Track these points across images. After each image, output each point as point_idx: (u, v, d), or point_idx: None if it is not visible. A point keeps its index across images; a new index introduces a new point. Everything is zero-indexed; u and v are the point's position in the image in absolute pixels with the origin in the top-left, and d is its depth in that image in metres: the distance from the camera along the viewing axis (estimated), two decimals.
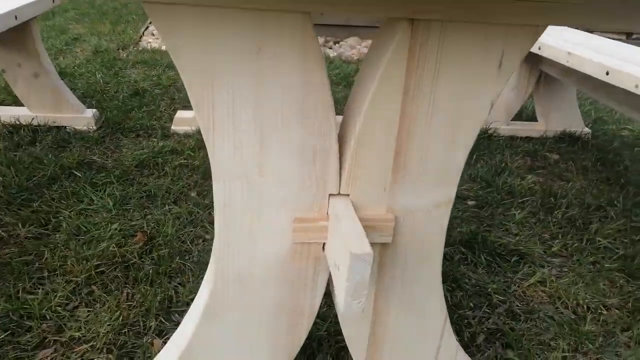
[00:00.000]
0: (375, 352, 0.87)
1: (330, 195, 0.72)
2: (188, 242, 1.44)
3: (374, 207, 0.74)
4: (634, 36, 4.62)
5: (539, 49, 2.04)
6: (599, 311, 1.31)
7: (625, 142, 2.47)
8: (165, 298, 1.22)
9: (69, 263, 1.31)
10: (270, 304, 0.79)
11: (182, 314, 1.18)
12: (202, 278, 1.29)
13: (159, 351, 1.06)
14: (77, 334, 1.12)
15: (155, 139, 2.07)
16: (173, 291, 1.25)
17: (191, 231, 1.49)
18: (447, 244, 1.51)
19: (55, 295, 1.21)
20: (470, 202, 1.77)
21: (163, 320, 1.16)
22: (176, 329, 1.12)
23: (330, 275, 0.79)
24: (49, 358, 1.06)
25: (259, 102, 0.65)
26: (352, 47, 3.94)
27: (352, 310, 0.63)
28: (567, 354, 1.16)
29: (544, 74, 2.34)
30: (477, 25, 0.64)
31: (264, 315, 0.80)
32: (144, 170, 1.81)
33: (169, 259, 1.35)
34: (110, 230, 1.45)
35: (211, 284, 0.75)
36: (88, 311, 1.18)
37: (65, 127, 2.10)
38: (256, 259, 0.75)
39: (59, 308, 1.18)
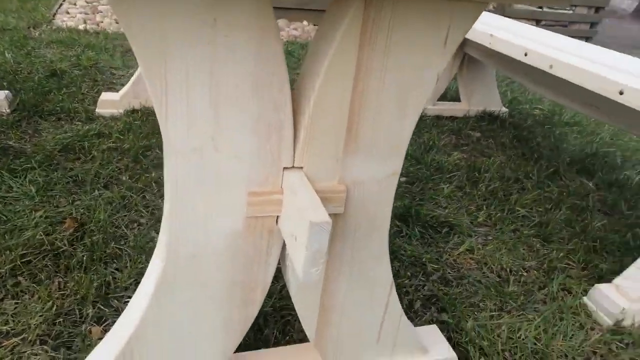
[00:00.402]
0: (325, 321, 0.90)
1: (284, 168, 0.73)
2: (123, 227, 1.39)
3: (326, 179, 0.76)
4: (542, 22, 4.97)
5: None
6: (520, 273, 1.43)
7: (537, 120, 2.68)
8: (102, 284, 1.18)
9: None
10: (224, 279, 0.79)
11: (122, 299, 1.15)
12: (140, 262, 1.25)
13: (99, 338, 1.03)
14: (5, 327, 1.05)
15: (79, 122, 1.96)
16: (110, 277, 1.20)
17: (125, 216, 1.43)
18: None
19: None
20: (402, 179, 1.84)
21: (102, 307, 1.12)
22: (116, 315, 1.09)
23: (282, 248, 0.80)
24: None
25: (214, 74, 0.64)
26: (281, 29, 3.92)
27: (311, 279, 0.65)
28: (493, 313, 1.26)
29: (467, 56, 2.47)
30: (426, 2, 0.67)
31: (217, 291, 0.79)
32: (68, 155, 1.71)
33: (103, 245, 1.30)
34: (34, 218, 1.37)
35: (163, 262, 0.74)
36: (15, 303, 1.11)
37: None
38: (210, 235, 0.74)
39: None
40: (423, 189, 1.80)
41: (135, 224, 1.41)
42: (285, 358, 0.96)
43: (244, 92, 0.66)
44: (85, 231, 1.35)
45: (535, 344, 1.17)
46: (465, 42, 2.43)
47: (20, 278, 1.18)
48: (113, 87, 2.36)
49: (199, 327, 0.81)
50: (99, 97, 2.15)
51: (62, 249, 1.27)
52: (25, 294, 1.14)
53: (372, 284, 0.89)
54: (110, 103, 2.09)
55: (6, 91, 2.01)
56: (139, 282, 1.18)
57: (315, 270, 0.65)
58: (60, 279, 1.19)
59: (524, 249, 1.53)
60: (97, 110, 2.07)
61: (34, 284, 1.16)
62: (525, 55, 1.61)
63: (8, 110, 1.95)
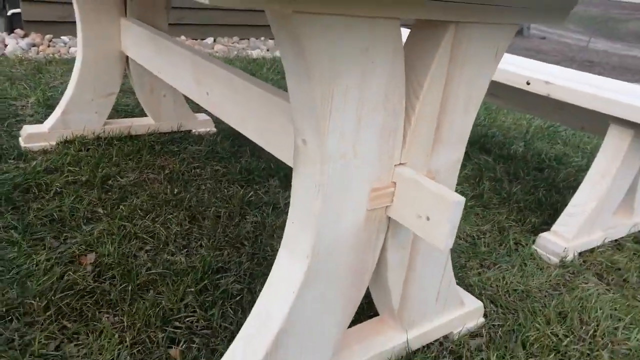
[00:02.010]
0: (405, 292, 1.07)
1: (394, 165, 0.89)
2: (135, 254, 1.37)
3: (420, 171, 0.93)
4: None
5: None
6: (481, 237, 1.74)
7: None
8: (156, 310, 1.18)
9: (16, 305, 1.14)
10: (348, 267, 0.92)
11: (182, 319, 1.17)
12: (178, 283, 1.27)
13: (182, 358, 1.06)
14: None
15: (14, 160, 1.80)
16: (159, 301, 1.21)
17: (130, 244, 1.41)
18: None
19: (30, 340, 1.06)
20: None
21: (169, 329, 1.13)
22: (187, 334, 1.12)
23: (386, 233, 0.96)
24: None
25: (362, 90, 0.78)
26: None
27: (449, 247, 0.83)
28: (479, 270, 1.54)
29: None
30: (488, 25, 0.88)
31: (342, 278, 0.92)
32: (27, 195, 1.59)
33: (129, 274, 1.28)
34: (37, 263, 1.29)
35: (307, 259, 0.85)
36: (76, 346, 1.08)
37: None
38: (341, 230, 0.87)
39: (43, 351, 1.04)
40: None
41: (143, 251, 1.41)
42: (373, 330, 1.11)
43: (377, 104, 0.81)
44: (99, 265, 1.31)
45: (517, 286, 1.47)
46: None
47: (64, 322, 1.13)
48: (22, 120, 2.18)
49: (327, 312, 0.93)
50: (13, 131, 1.98)
51: (90, 286, 1.23)
52: (80, 334, 1.10)
53: (438, 253, 1.09)
54: (39, 136, 1.95)
55: None
56: (188, 300, 1.22)
57: (451, 240, 0.82)
58: (108, 315, 1.16)
59: (474, 217, 1.85)
60: (24, 145, 1.92)
61: (82, 326, 1.12)
62: None
63: None
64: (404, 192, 0.88)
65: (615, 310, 1.42)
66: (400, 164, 0.90)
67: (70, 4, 3.54)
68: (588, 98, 1.60)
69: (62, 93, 2.53)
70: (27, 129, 1.95)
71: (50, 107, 2.31)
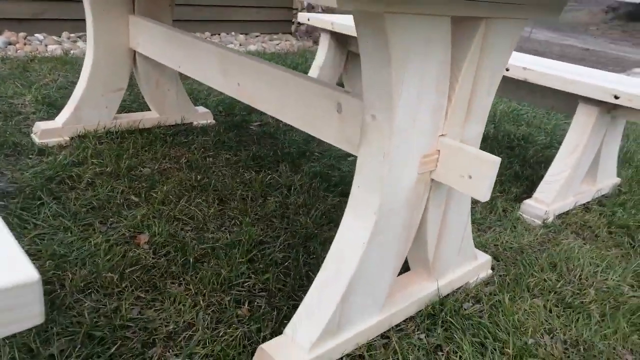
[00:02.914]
0: (439, 244, 1.27)
1: (439, 135, 1.09)
2: (182, 234, 1.51)
3: (455, 140, 1.13)
4: None
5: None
6: (473, 206, 1.97)
7: None
8: (218, 275, 1.33)
9: (92, 279, 1.26)
10: (403, 222, 1.11)
11: (242, 284, 1.32)
12: (231, 256, 1.42)
13: (249, 316, 1.22)
14: (170, 327, 1.15)
15: (35, 156, 1.87)
16: (220, 268, 1.35)
17: (174, 225, 1.54)
18: None
19: (114, 308, 1.18)
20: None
21: (234, 292, 1.28)
22: (250, 295, 1.28)
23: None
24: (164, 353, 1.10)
25: (422, 75, 0.96)
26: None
27: (487, 198, 1.03)
28: (479, 233, 1.77)
29: (350, 53, 2.97)
30: (508, 20, 1.09)
31: (397, 231, 1.11)
32: (61, 186, 1.68)
33: (186, 248, 1.42)
34: (95, 244, 1.40)
35: (375, 216, 1.03)
36: (155, 310, 1.21)
37: None
38: (399, 191, 1.06)
39: (130, 315, 1.17)
40: None
41: (185, 230, 1.54)
42: (409, 281, 1.30)
43: (432, 85, 1.00)
44: (153, 244, 1.44)
45: (512, 244, 1.71)
46: (348, 41, 2.92)
47: (137, 292, 1.25)
48: (27, 118, 2.23)
49: (386, 261, 1.12)
50: (22, 128, 2.05)
51: (152, 262, 1.36)
52: (155, 302, 1.23)
53: (464, 208, 1.30)
54: (53, 132, 2.02)
55: None
56: (243, 269, 1.37)
57: (489, 193, 1.03)
58: (173, 284, 1.30)
59: None
60: (39, 140, 1.98)
61: (156, 294, 1.25)
62: None
63: None
64: (447, 157, 1.08)
65: (592, 258, 1.68)
66: (442, 135, 1.09)
67: (44, 0, 3.52)
68: (561, 81, 1.86)
69: (57, 90, 2.57)
70: (41, 125, 2.01)
71: (50, 105, 2.36)
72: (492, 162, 1.00)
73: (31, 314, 0.46)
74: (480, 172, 1.02)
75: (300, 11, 5.19)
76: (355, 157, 2.22)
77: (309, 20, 2.91)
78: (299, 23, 5.22)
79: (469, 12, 0.97)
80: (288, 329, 1.08)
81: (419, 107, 0.99)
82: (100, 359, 1.05)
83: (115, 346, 1.09)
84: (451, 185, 1.09)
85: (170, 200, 1.68)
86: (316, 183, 1.94)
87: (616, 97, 1.74)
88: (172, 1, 2.14)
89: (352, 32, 2.67)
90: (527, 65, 1.98)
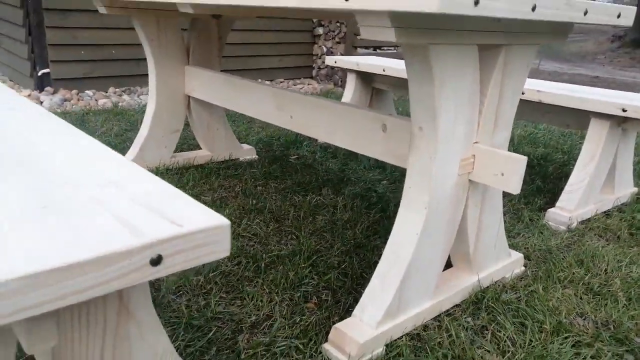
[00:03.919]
0: (477, 239, 1.47)
1: (473, 142, 1.31)
2: (248, 247, 1.72)
3: (486, 146, 1.35)
4: (383, 48, 6.11)
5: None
6: (505, 218, 2.16)
7: None
8: (286, 279, 1.53)
9: (182, 283, 1.48)
10: (447, 219, 1.31)
11: (308, 284, 1.53)
12: (293, 262, 1.63)
13: (316, 309, 1.41)
14: (251, 314, 1.35)
15: None
16: (284, 275, 1.56)
17: (241, 240, 1.76)
18: None
19: (205, 304, 1.39)
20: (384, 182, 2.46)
21: (302, 290, 1.48)
22: (314, 292, 1.47)
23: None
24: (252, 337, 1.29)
25: (456, 91, 1.20)
26: None
27: (518, 191, 1.24)
28: (512, 239, 1.95)
29: (375, 90, 3.24)
30: (524, 46, 1.33)
31: (443, 227, 1.31)
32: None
33: (255, 259, 1.63)
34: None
35: (425, 210, 1.24)
36: (237, 306, 1.41)
37: None
38: (444, 191, 1.27)
39: (218, 309, 1.38)
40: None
41: (251, 245, 1.75)
42: (452, 275, 1.50)
43: (465, 101, 1.23)
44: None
45: (541, 246, 1.89)
46: (372, 78, 3.20)
47: (220, 294, 1.46)
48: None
49: (435, 252, 1.32)
50: None
51: (228, 269, 1.57)
52: (236, 300, 1.43)
53: (497, 207, 1.50)
54: None
55: None
56: (306, 272, 1.57)
57: (519, 187, 1.24)
58: (249, 286, 1.51)
59: None
60: None
61: (236, 294, 1.46)
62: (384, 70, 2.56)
63: None
64: (482, 160, 1.30)
65: (616, 255, 1.85)
66: (476, 142, 1.32)
67: (93, 61, 3.91)
68: (573, 99, 2.09)
69: (114, 137, 2.86)
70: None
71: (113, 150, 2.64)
72: (520, 160, 1.22)
73: (221, 248, 0.68)
74: (511, 170, 1.24)
75: (320, 57, 5.55)
76: (389, 180, 2.45)
77: (335, 62, 3.20)
78: (319, 67, 5.58)
79: (492, 40, 1.21)
80: (356, 311, 1.28)
81: (456, 119, 1.22)
82: (200, 341, 1.25)
83: (212, 332, 1.29)
84: (487, 183, 1.30)
85: (233, 221, 1.91)
86: (357, 202, 2.16)
87: (624, 110, 1.96)
88: (220, 52, 2.45)
89: (376, 70, 2.95)
90: (541, 88, 2.21)
